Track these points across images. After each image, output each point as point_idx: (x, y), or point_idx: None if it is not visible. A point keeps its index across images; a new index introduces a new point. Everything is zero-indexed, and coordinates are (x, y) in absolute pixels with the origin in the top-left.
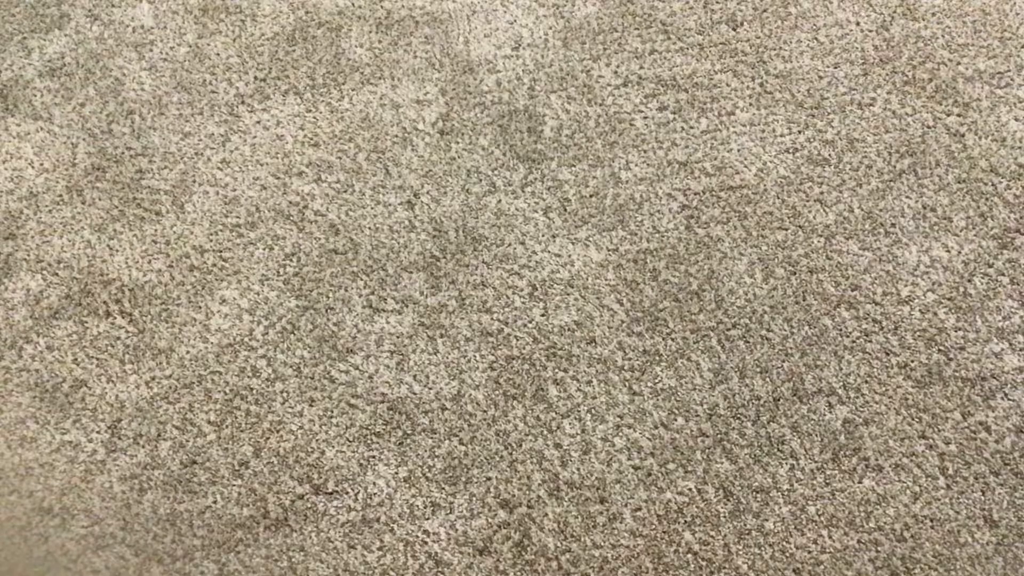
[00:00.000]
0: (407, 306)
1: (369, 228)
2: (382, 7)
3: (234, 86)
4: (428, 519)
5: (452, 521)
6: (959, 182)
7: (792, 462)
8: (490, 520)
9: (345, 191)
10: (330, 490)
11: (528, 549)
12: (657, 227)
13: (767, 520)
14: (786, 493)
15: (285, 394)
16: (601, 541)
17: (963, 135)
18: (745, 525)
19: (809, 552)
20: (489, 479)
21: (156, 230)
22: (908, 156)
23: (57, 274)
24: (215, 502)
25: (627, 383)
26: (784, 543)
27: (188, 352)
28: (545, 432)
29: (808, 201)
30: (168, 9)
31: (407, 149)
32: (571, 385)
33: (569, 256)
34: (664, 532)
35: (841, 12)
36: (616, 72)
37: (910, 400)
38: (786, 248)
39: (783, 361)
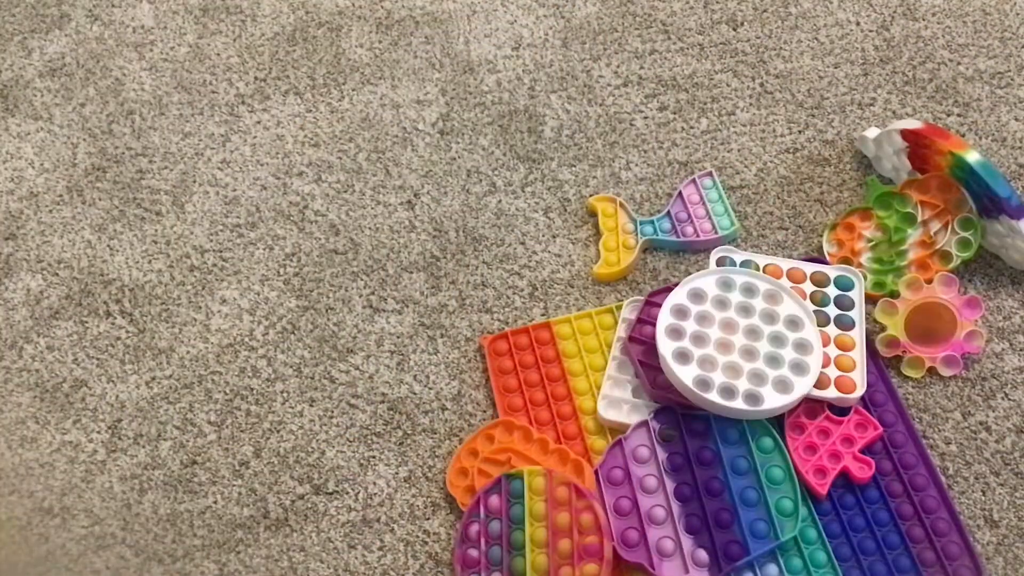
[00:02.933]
0: (407, 306)
1: (369, 228)
2: (382, 7)
3: (234, 86)
4: (428, 519)
5: (452, 521)
6: None
7: None
8: None
9: (345, 191)
10: (330, 490)
11: None
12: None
13: None
14: None
15: (285, 394)
16: None
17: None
18: None
19: None
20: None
21: (156, 230)
22: None
23: (57, 274)
24: (215, 502)
25: None
26: None
27: (188, 352)
28: None
29: (808, 201)
30: (168, 9)
31: (407, 149)
32: None
33: (569, 256)
34: None
35: (841, 12)
36: (616, 72)
37: (910, 400)
38: (786, 248)
39: None
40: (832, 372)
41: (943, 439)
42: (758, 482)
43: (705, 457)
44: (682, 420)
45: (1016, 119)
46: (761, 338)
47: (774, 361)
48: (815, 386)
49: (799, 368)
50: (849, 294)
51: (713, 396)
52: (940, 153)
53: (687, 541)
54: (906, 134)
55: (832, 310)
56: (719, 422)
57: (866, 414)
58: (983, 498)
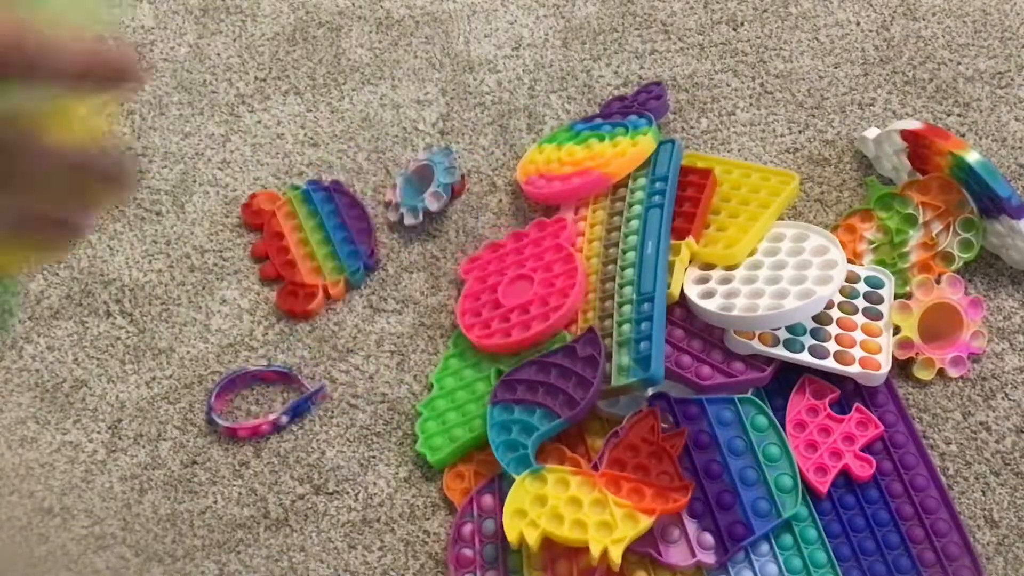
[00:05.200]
0: (407, 306)
1: None
2: (382, 7)
3: (234, 86)
4: (428, 519)
5: (452, 522)
6: None
7: None
8: None
9: None
10: (330, 490)
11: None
12: None
13: None
14: None
15: (286, 394)
16: None
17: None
18: None
19: None
20: None
21: (156, 230)
22: None
23: (57, 274)
24: (215, 502)
25: None
26: None
27: (188, 352)
28: None
29: (808, 201)
30: (168, 9)
31: (407, 149)
32: None
33: None
34: None
35: (841, 12)
36: (616, 72)
37: (911, 400)
38: None
39: None
40: (857, 352)
41: (943, 439)
42: (756, 461)
43: (702, 440)
44: (675, 405)
45: (1016, 119)
46: (786, 267)
47: (798, 279)
48: (840, 362)
49: (823, 280)
50: (879, 291)
51: (737, 312)
52: (940, 153)
53: (691, 525)
54: (906, 134)
55: (861, 302)
56: (712, 404)
57: (867, 412)
58: (983, 498)
